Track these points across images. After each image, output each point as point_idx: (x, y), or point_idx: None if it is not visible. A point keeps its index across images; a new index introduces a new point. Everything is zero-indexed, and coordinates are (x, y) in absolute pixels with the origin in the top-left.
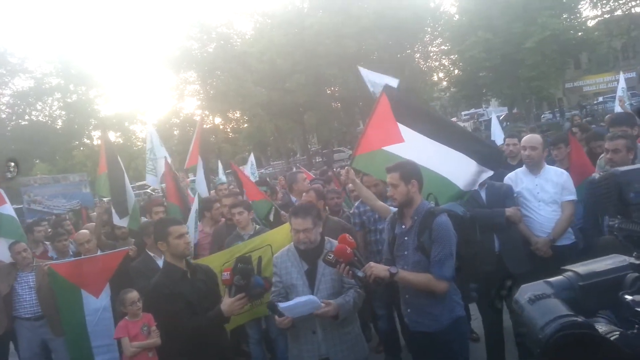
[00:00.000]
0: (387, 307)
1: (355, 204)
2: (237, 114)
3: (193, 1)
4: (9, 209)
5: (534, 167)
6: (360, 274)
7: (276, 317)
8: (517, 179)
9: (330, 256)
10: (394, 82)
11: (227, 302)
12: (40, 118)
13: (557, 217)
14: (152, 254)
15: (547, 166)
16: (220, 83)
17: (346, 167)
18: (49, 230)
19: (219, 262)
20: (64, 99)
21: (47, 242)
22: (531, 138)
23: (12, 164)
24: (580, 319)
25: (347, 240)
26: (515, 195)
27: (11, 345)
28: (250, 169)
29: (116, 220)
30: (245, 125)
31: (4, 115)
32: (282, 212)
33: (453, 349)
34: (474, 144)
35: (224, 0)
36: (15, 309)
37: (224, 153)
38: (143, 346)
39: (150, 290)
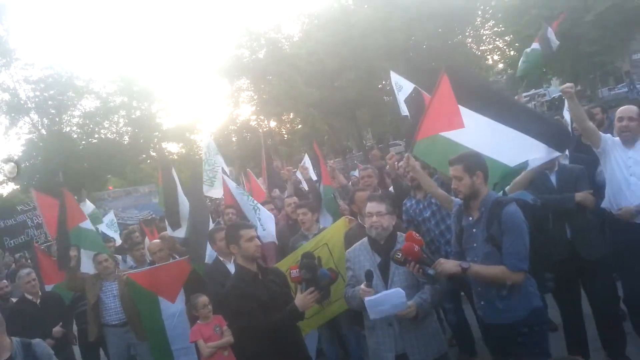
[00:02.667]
0: (453, 299)
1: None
2: (291, 116)
3: (241, 11)
4: (89, 224)
5: (630, 140)
6: (430, 271)
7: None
8: (608, 146)
9: (399, 255)
10: (410, 87)
11: (300, 297)
12: (108, 135)
13: None
14: (222, 259)
15: None
16: (272, 87)
17: (406, 155)
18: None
19: (284, 267)
20: (128, 115)
21: (117, 255)
22: (628, 108)
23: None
24: None
25: (414, 237)
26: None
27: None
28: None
29: (169, 231)
30: (299, 126)
31: (75, 136)
32: (341, 203)
33: (532, 340)
34: (540, 124)
35: (270, 6)
36: (103, 316)
37: (281, 155)
38: (218, 345)
39: (225, 293)
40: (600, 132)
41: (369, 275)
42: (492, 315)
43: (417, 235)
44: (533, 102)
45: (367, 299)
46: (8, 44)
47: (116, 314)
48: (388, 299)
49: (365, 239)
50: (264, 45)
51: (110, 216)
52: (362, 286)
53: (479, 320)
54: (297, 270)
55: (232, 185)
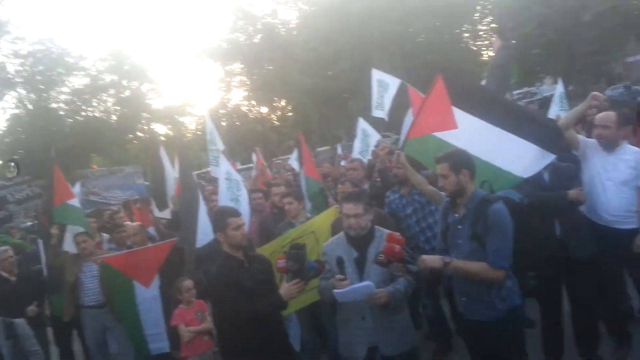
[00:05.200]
0: (432, 295)
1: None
2: (283, 103)
3: None
4: (76, 202)
5: (609, 146)
6: (414, 268)
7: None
8: (588, 150)
9: (382, 257)
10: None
11: (285, 287)
12: (95, 114)
13: (625, 200)
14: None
15: (625, 145)
16: (265, 73)
17: (397, 151)
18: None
19: (267, 252)
20: (117, 94)
21: (103, 234)
22: (604, 115)
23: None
24: None
25: (394, 238)
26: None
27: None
28: (295, 157)
29: (156, 212)
30: (290, 113)
31: (62, 112)
32: (330, 199)
33: (509, 337)
34: (535, 126)
35: None
36: (80, 297)
37: (271, 142)
38: (198, 331)
39: (210, 279)
40: (582, 136)
41: (339, 263)
42: (471, 312)
43: (398, 234)
44: (524, 100)
45: (335, 291)
46: None
47: (94, 295)
48: (357, 291)
49: (342, 233)
50: (261, 30)
51: (76, 188)
52: (338, 275)
53: (453, 316)
54: (284, 260)
55: (223, 169)
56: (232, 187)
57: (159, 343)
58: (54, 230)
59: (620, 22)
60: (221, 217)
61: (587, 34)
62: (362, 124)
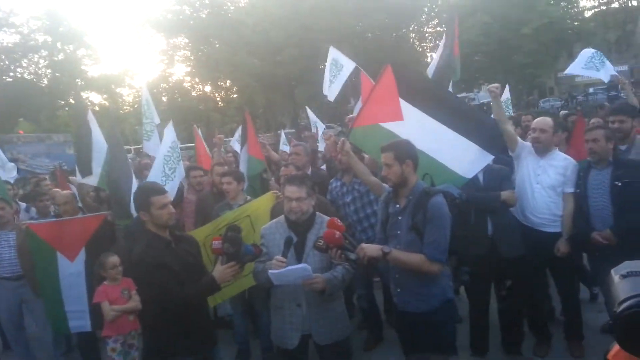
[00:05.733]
0: (366, 286)
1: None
2: (228, 83)
3: None
4: None
5: (542, 150)
6: (352, 256)
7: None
8: (523, 152)
9: (321, 242)
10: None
11: (220, 269)
12: (25, 75)
13: (551, 204)
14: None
15: (556, 151)
16: (212, 50)
17: (342, 139)
18: (21, 191)
19: (202, 235)
20: (50, 57)
21: (21, 203)
22: (541, 120)
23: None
24: None
25: (335, 224)
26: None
27: None
28: (237, 139)
29: (78, 178)
30: (235, 95)
31: None
32: (271, 181)
33: (441, 330)
34: (478, 126)
35: None
36: None
37: (213, 122)
38: (123, 310)
39: (134, 261)
40: (519, 138)
41: (288, 243)
42: (406, 303)
43: (339, 221)
44: None
45: (271, 271)
46: None
47: (10, 266)
48: (293, 273)
49: (282, 217)
50: (208, 5)
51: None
52: (278, 256)
53: (386, 307)
54: (220, 242)
55: (164, 140)
56: (174, 159)
57: (80, 321)
58: None
59: (555, 38)
60: (144, 195)
61: (525, 46)
62: (310, 114)
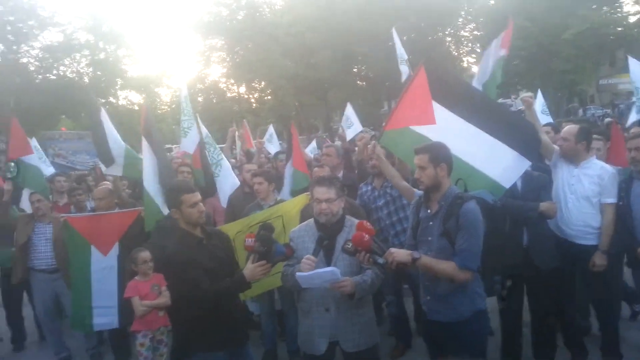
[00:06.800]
0: (395, 292)
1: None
2: (262, 84)
3: None
4: (34, 159)
5: (572, 159)
6: (380, 260)
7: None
8: (559, 161)
9: (349, 245)
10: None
11: (250, 268)
12: (67, 74)
13: (586, 216)
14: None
15: (592, 159)
16: (247, 52)
17: (373, 142)
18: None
19: (233, 231)
20: (92, 56)
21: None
22: (568, 128)
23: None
24: None
25: (365, 227)
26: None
27: (25, 297)
28: (268, 139)
29: (103, 169)
30: (269, 97)
31: (32, 68)
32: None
33: (470, 341)
34: (516, 130)
35: None
36: (31, 259)
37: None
38: (153, 305)
39: (166, 259)
40: (555, 147)
41: (320, 240)
42: (435, 312)
43: (369, 224)
44: None
45: (298, 274)
46: None
47: (46, 259)
48: (321, 276)
49: (311, 220)
50: (244, 7)
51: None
52: (308, 255)
53: (416, 315)
54: (253, 240)
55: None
56: (213, 151)
57: (106, 317)
58: (7, 186)
59: (596, 44)
60: (175, 194)
61: (565, 52)
62: (349, 111)
